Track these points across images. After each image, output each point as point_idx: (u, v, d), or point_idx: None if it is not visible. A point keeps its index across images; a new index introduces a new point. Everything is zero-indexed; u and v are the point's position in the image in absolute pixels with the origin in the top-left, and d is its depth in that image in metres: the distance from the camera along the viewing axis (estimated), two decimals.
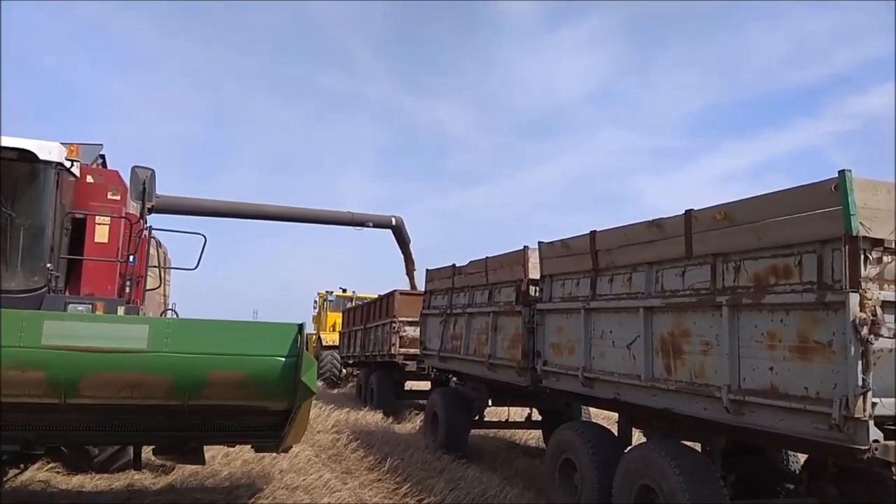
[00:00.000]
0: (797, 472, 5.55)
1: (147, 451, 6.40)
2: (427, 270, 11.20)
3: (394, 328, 13.60)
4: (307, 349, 4.96)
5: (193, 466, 6.97)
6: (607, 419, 8.52)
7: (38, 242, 6.39)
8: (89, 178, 7.09)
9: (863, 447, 3.56)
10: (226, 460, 7.89)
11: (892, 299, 3.71)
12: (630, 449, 5.69)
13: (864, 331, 3.55)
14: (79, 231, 6.85)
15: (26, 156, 6.21)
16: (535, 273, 7.35)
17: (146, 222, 7.09)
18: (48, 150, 6.31)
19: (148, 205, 6.96)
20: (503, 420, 10.36)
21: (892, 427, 3.74)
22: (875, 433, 3.55)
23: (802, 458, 5.59)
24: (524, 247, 7.62)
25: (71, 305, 6.17)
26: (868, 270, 3.71)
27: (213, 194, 20.31)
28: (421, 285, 13.20)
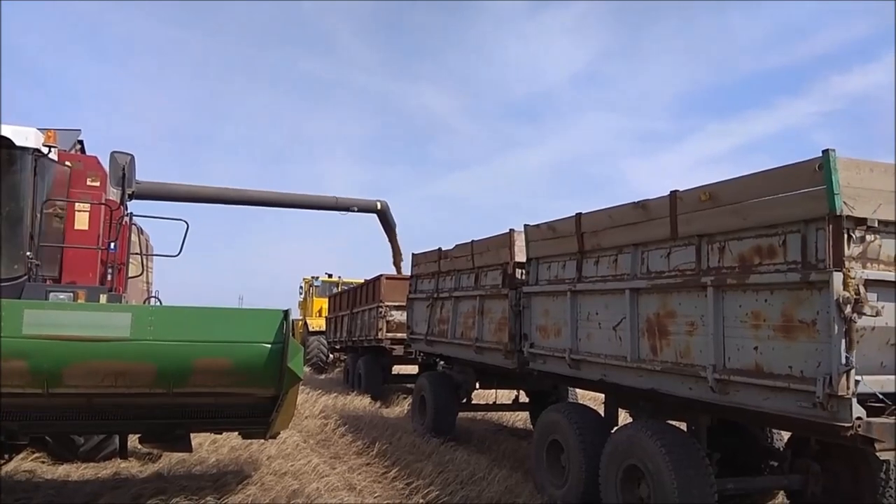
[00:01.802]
0: (781, 449, 5.62)
1: (133, 440, 6.38)
2: (413, 255, 11.18)
3: (380, 313, 13.58)
4: (293, 335, 4.91)
5: (180, 454, 6.94)
6: (594, 400, 8.59)
7: (17, 230, 6.29)
8: (68, 165, 6.97)
9: (846, 424, 3.60)
10: (213, 447, 7.87)
11: (875, 278, 3.74)
12: (616, 429, 5.73)
13: (848, 309, 3.58)
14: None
15: (2, 142, 6.09)
16: (521, 256, 7.34)
17: (127, 209, 6.99)
18: (24, 135, 6.19)
19: (128, 191, 6.86)
20: (490, 403, 10.40)
21: (875, 404, 3.79)
22: (858, 410, 3.59)
23: (786, 435, 5.66)
24: (510, 230, 7.60)
25: (52, 294, 6.08)
26: (852, 249, 3.73)
27: (195, 182, 19.97)
28: (407, 269, 13.18)
